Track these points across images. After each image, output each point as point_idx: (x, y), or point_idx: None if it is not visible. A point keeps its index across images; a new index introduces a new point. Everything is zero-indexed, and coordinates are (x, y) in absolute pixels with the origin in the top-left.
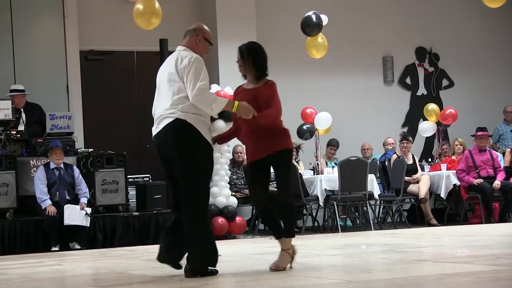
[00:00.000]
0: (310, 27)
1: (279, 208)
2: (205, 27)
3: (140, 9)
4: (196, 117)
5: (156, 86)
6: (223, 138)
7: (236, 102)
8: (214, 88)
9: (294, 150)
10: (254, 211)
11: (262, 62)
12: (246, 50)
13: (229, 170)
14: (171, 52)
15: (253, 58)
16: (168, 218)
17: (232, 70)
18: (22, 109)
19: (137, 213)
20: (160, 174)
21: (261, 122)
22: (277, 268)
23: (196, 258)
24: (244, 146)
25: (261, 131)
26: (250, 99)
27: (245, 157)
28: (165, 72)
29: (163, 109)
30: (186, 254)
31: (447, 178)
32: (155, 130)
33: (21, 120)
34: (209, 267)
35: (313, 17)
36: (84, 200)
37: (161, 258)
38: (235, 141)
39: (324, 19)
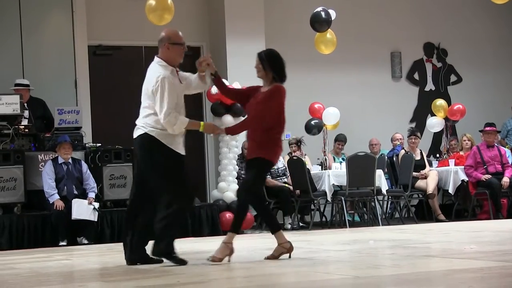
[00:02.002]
0: (319, 23)
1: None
2: (171, 31)
3: (152, 4)
4: (161, 132)
5: None
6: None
7: (202, 123)
8: None
9: (296, 144)
10: None
11: (277, 68)
12: (264, 56)
13: (237, 165)
14: None
15: (269, 63)
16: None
17: (240, 65)
18: (25, 104)
19: None
20: None
21: (237, 132)
22: (213, 259)
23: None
24: None
25: (252, 136)
26: (257, 101)
27: None
28: (145, 82)
29: (139, 117)
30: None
31: (455, 173)
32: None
33: (27, 114)
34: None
35: (322, 13)
36: (92, 195)
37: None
38: (241, 138)
39: (332, 14)
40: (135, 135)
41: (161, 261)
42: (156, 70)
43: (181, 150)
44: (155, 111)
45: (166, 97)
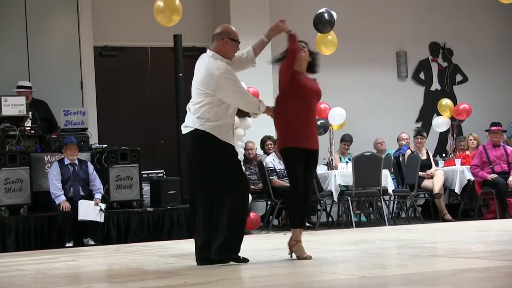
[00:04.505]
0: (322, 24)
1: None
2: (230, 27)
3: (160, 6)
4: (214, 125)
5: None
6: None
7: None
8: None
9: None
10: (268, 206)
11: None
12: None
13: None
14: (185, 48)
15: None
16: None
17: None
18: None
19: (151, 209)
20: (174, 169)
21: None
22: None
23: (220, 248)
24: (254, 143)
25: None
26: (315, 89)
27: (256, 153)
28: (200, 76)
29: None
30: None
31: (461, 173)
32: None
33: (31, 115)
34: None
35: (325, 14)
36: (98, 196)
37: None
38: (246, 138)
39: (334, 15)
40: (185, 131)
41: (228, 261)
42: (214, 64)
43: (233, 142)
44: (209, 103)
45: (241, 87)
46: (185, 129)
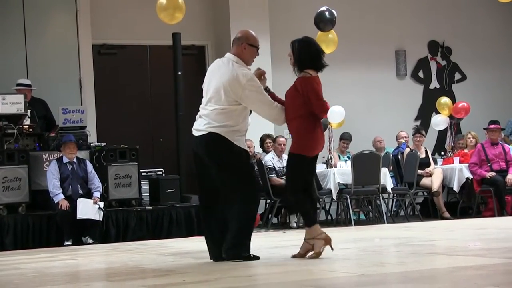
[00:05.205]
0: (323, 23)
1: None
2: (250, 32)
3: (163, 3)
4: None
5: None
6: None
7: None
8: None
9: None
10: (267, 204)
11: (302, 55)
12: (296, 42)
13: None
14: (184, 46)
15: (297, 50)
16: None
17: None
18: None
19: (150, 207)
20: (173, 168)
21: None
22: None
23: (230, 249)
24: (253, 141)
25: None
26: (291, 89)
27: (254, 151)
28: (219, 78)
29: (206, 115)
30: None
31: (459, 171)
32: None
33: (30, 113)
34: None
35: (326, 13)
36: (97, 194)
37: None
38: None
39: (335, 14)
40: (197, 134)
41: (255, 258)
42: (240, 71)
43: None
44: (232, 111)
45: (266, 96)
46: (197, 132)
